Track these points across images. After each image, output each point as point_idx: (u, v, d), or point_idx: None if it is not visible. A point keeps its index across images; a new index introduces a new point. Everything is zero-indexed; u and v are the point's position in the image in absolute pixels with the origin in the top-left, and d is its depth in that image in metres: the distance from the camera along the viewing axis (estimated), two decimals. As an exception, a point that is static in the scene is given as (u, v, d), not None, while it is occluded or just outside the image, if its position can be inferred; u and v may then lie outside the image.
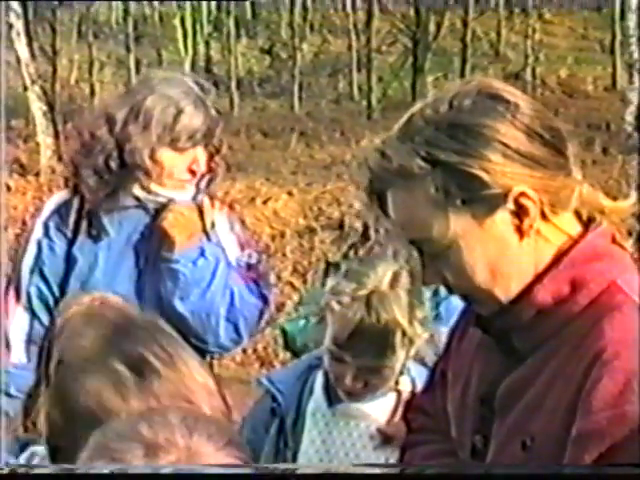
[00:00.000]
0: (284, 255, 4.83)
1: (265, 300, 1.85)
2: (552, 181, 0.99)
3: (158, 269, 1.79)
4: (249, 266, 1.83)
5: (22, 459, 0.97)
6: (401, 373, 1.47)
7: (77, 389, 0.95)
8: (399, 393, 1.47)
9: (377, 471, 0.96)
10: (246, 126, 6.30)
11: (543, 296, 1.00)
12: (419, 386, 1.37)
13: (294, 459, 1.47)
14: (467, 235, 0.99)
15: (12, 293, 1.84)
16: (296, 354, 2.00)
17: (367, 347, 1.41)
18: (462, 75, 6.28)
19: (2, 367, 1.76)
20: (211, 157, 1.79)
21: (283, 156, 5.94)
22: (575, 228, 1.01)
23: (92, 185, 1.76)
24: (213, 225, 1.82)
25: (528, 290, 1.00)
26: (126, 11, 7.36)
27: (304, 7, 7.62)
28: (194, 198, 1.80)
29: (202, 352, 1.82)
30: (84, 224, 1.80)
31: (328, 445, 1.48)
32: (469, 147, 0.97)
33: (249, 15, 8.01)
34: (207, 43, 7.36)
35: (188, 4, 7.14)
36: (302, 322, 2.01)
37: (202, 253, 1.79)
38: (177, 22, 7.18)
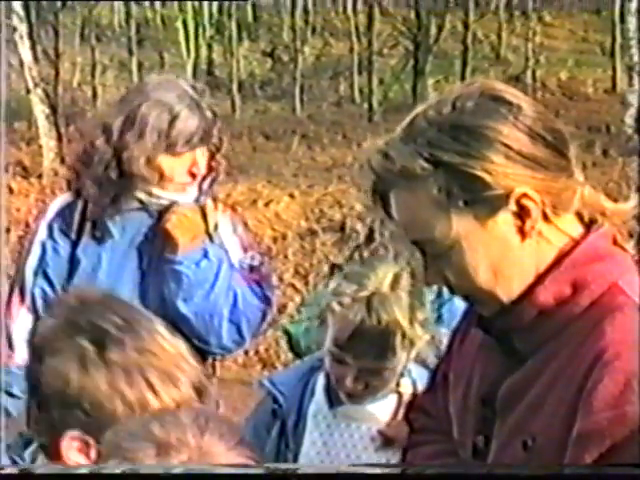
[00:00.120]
0: (286, 257, 4.83)
1: (268, 302, 1.85)
2: (554, 182, 0.99)
3: (161, 271, 1.79)
4: (252, 268, 1.84)
5: (26, 455, 0.98)
6: (402, 375, 1.47)
7: (44, 371, 0.96)
8: (400, 395, 1.47)
9: (378, 471, 0.97)
10: (248, 128, 6.31)
11: (544, 297, 1.00)
12: (420, 388, 1.37)
13: (295, 461, 1.47)
14: (469, 236, 0.99)
15: (16, 294, 1.85)
16: (300, 356, 2.01)
17: (368, 348, 1.41)
18: (463, 78, 6.29)
19: (4, 367, 1.77)
20: (212, 157, 1.80)
21: (285, 158, 5.95)
22: (577, 229, 1.02)
23: (94, 194, 1.77)
24: (216, 227, 1.82)
25: (529, 291, 1.01)
26: (128, 14, 7.37)
27: (305, 10, 7.63)
28: (197, 200, 1.81)
29: (205, 353, 1.83)
30: (88, 226, 1.81)
31: (329, 447, 1.48)
32: (471, 148, 0.98)
33: (251, 18, 8.02)
34: (209, 46, 7.37)
35: (190, 7, 7.16)
36: (306, 324, 2.02)
37: (205, 255, 1.80)
38: (179, 25, 7.19)
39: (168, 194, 1.79)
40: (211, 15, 7.42)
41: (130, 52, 7.04)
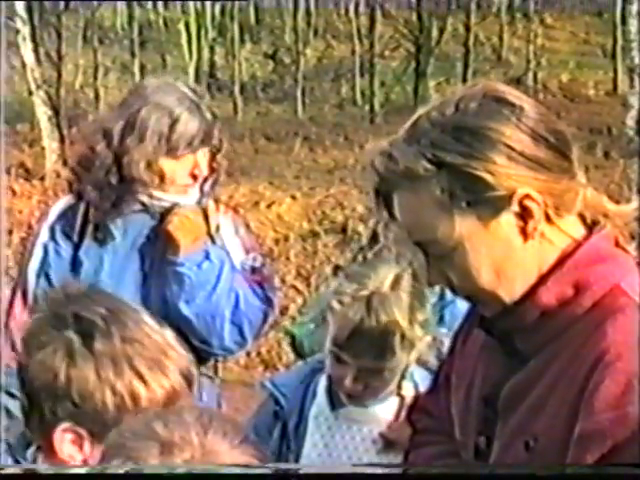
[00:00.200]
0: (288, 259, 4.83)
1: (270, 303, 1.85)
2: (556, 184, 1.00)
3: (163, 272, 1.79)
4: (254, 269, 1.84)
5: (28, 454, 0.99)
6: (403, 377, 1.47)
7: (32, 366, 0.96)
8: (402, 398, 1.47)
9: (379, 471, 0.97)
10: (250, 131, 6.32)
11: (547, 298, 1.00)
12: (422, 391, 1.37)
13: (296, 462, 1.47)
14: (472, 237, 0.99)
15: (19, 296, 1.85)
16: (303, 358, 2.01)
17: (367, 348, 1.41)
18: (464, 80, 6.29)
19: (7, 368, 1.77)
20: (212, 158, 1.80)
21: (287, 160, 5.95)
22: (579, 231, 1.02)
23: (94, 198, 1.78)
24: (218, 228, 1.83)
25: (532, 292, 1.01)
26: (131, 16, 7.38)
27: (307, 12, 7.64)
28: (199, 202, 1.81)
29: (207, 354, 1.84)
30: (90, 228, 1.81)
31: (330, 449, 1.48)
32: (474, 149, 0.98)
33: (253, 20, 8.03)
34: (211, 48, 7.38)
35: (192, 9, 7.17)
36: (309, 326, 2.02)
37: (207, 256, 1.80)
38: (181, 27, 7.20)
39: (170, 196, 1.79)
40: (213, 17, 7.43)
41: (132, 54, 7.05)
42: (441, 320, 1.84)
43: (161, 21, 7.78)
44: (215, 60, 7.40)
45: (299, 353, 2.11)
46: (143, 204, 1.80)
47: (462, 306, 1.17)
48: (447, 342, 1.35)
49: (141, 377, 0.96)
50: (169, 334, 1.00)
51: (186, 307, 1.79)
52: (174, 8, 7.60)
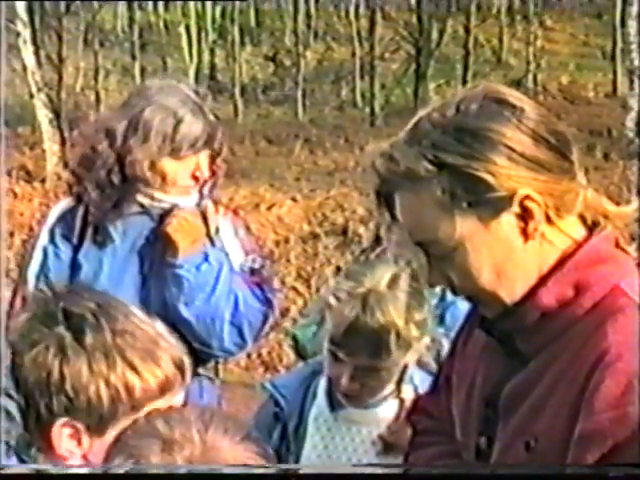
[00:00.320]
0: (288, 261, 4.83)
1: (269, 304, 1.86)
2: (557, 185, 1.00)
3: (162, 275, 1.79)
4: (253, 271, 1.84)
5: (32, 454, 0.99)
6: (403, 380, 1.46)
7: (25, 365, 0.96)
8: (402, 401, 1.46)
9: (380, 472, 0.97)
10: (250, 133, 6.33)
11: (547, 299, 1.01)
12: (422, 393, 1.37)
13: (296, 464, 1.47)
14: (473, 237, 1.00)
15: (19, 298, 1.85)
16: (306, 360, 2.01)
17: (362, 345, 1.40)
18: (464, 82, 6.30)
19: (4, 369, 1.77)
20: (212, 161, 1.81)
21: (287, 162, 5.96)
22: (579, 232, 1.03)
23: (95, 199, 1.78)
24: (217, 230, 1.83)
25: (532, 292, 1.01)
26: (131, 19, 7.39)
27: (308, 15, 7.65)
28: (198, 203, 1.82)
29: (206, 356, 1.84)
30: (89, 231, 1.82)
31: (330, 450, 1.48)
32: (475, 150, 0.98)
33: (253, 23, 8.04)
34: (212, 50, 7.39)
35: (193, 12, 7.18)
36: (313, 328, 2.01)
37: (206, 258, 1.80)
38: (182, 30, 7.21)
39: (170, 197, 1.80)
40: (214, 20, 7.44)
41: (133, 57, 7.06)
42: (442, 321, 1.83)
43: (161, 23, 7.80)
44: (215, 62, 7.41)
45: (302, 355, 2.10)
46: (142, 206, 1.80)
47: (463, 307, 1.17)
48: (446, 343, 1.35)
49: (134, 368, 0.96)
50: (159, 325, 1.00)
51: (185, 309, 1.79)
52: (174, 10, 7.62)
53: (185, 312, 1.79)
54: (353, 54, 7.10)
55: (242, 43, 7.38)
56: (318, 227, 5.06)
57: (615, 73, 6.83)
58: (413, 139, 1.00)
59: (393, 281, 1.42)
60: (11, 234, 4.64)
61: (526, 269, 1.01)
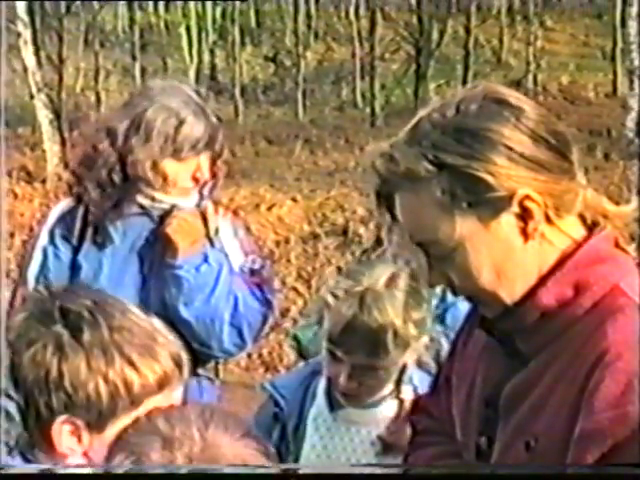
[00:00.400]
0: (288, 261, 4.84)
1: (269, 305, 1.86)
2: (556, 185, 1.00)
3: (162, 275, 1.80)
4: (253, 271, 1.84)
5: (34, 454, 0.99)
6: (402, 380, 1.46)
7: (23, 364, 0.97)
8: (401, 402, 1.46)
9: (378, 471, 0.97)
10: (250, 133, 6.33)
11: (547, 298, 1.01)
12: (422, 393, 1.37)
13: (295, 464, 1.47)
14: (473, 237, 1.00)
15: (19, 299, 1.85)
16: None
17: (359, 344, 1.40)
18: (464, 82, 6.30)
19: (4, 370, 1.77)
20: (213, 163, 1.81)
21: (287, 163, 5.96)
22: (579, 232, 1.03)
23: (96, 198, 1.78)
24: (217, 231, 1.83)
25: (532, 292, 1.01)
26: (132, 20, 7.39)
27: (308, 15, 7.65)
28: (198, 204, 1.82)
29: (206, 357, 1.84)
30: (89, 231, 1.82)
31: (329, 450, 1.48)
32: (475, 151, 0.99)
33: (253, 23, 8.04)
34: (212, 51, 7.39)
35: (193, 12, 7.18)
36: (314, 328, 2.02)
37: (205, 259, 1.80)
38: (182, 30, 7.21)
39: (170, 198, 1.80)
40: (214, 20, 7.44)
41: (133, 57, 7.06)
42: (442, 322, 1.83)
43: (162, 24, 7.80)
44: (216, 63, 7.41)
45: (304, 356, 2.10)
46: (142, 207, 1.80)
47: (463, 308, 1.17)
48: (445, 343, 1.35)
49: (132, 364, 0.96)
50: (156, 321, 1.00)
51: (185, 310, 1.79)
52: (175, 11, 7.62)
53: (185, 313, 1.79)
54: (353, 54, 7.10)
55: (242, 43, 7.38)
56: (318, 227, 5.06)
57: (615, 73, 6.83)
58: (413, 139, 1.00)
59: (391, 280, 1.42)
60: (11, 235, 4.65)
61: (526, 269, 1.01)
